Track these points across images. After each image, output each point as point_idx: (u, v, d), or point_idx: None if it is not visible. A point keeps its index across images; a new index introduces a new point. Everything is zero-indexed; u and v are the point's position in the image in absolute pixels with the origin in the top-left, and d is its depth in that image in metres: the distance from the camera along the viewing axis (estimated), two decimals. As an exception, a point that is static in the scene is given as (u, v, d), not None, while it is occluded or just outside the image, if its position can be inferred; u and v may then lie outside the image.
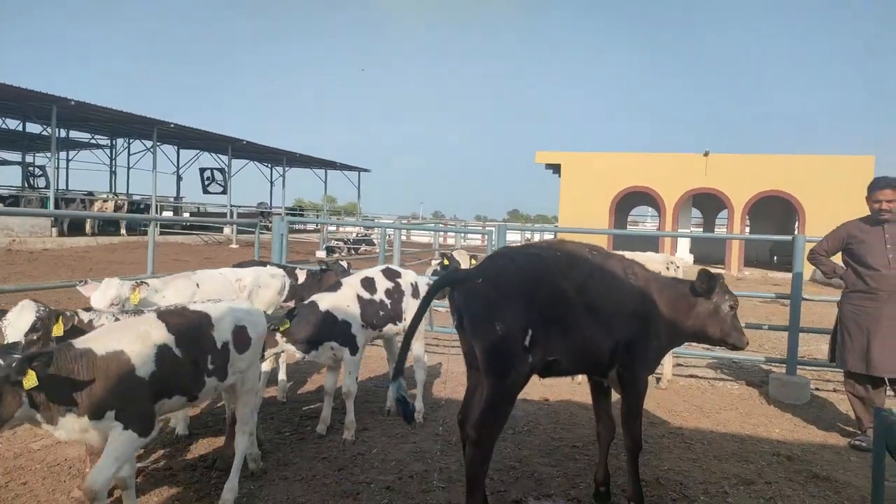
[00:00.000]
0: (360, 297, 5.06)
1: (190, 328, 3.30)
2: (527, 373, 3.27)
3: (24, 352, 2.81)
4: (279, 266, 7.89)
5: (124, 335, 3.07)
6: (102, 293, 4.40)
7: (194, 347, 3.27)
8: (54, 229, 21.70)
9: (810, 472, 4.50)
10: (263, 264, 7.85)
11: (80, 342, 2.98)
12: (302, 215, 32.15)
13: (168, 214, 31.00)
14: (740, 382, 7.14)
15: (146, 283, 4.75)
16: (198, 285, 5.18)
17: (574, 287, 3.37)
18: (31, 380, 2.65)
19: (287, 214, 22.20)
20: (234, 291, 5.41)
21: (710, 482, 4.26)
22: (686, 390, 6.74)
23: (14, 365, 2.61)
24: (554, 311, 3.30)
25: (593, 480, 3.95)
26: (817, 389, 6.87)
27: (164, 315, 3.30)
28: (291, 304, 6.83)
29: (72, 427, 2.84)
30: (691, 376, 7.34)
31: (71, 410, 2.81)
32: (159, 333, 3.16)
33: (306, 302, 5.04)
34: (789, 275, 7.02)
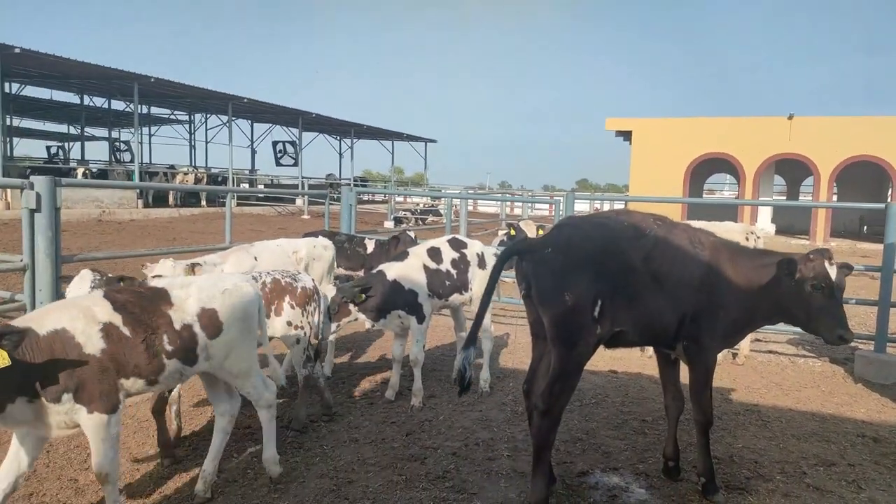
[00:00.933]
0: (426, 267, 5.11)
1: (139, 307, 3.05)
2: (595, 343, 3.24)
3: None
4: (348, 235, 8.07)
5: (65, 313, 2.88)
6: (156, 275, 4.39)
7: (143, 327, 3.01)
8: (140, 201, 22.92)
9: (899, 454, 4.26)
10: (333, 234, 8.05)
11: (19, 321, 2.81)
12: (365, 186, 32.56)
13: (244, 186, 32.12)
14: (823, 359, 6.80)
15: (200, 263, 4.70)
16: (256, 258, 5.21)
17: (641, 257, 3.30)
18: (2, 359, 2.53)
19: (355, 185, 22.54)
20: (292, 263, 5.42)
21: (787, 461, 4.10)
22: (764, 366, 6.48)
23: None
24: (622, 280, 3.24)
25: (662, 455, 3.88)
26: (909, 368, 6.44)
27: (111, 293, 3.08)
28: (361, 272, 6.99)
29: (38, 416, 2.74)
30: (770, 352, 7.04)
31: (30, 397, 2.69)
32: (104, 311, 2.94)
33: (374, 271, 5.14)
34: (880, 246, 6.57)
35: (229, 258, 5.12)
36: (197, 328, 3.18)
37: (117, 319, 2.96)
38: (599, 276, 3.19)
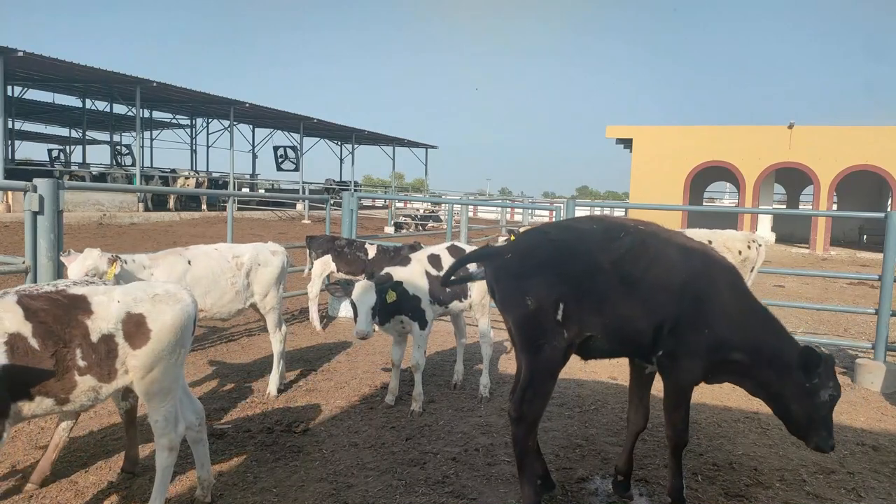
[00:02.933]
0: (428, 274, 5.11)
1: (53, 315, 2.70)
2: (563, 348, 3.13)
3: None
4: (359, 240, 8.07)
5: None
6: (80, 263, 4.29)
7: (54, 338, 2.68)
8: (141, 205, 22.95)
9: (899, 463, 4.26)
10: (333, 239, 8.06)
11: None
12: (357, 190, 32.68)
13: (245, 191, 32.16)
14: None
15: (121, 257, 4.50)
16: (189, 262, 4.86)
17: (611, 259, 3.17)
18: None
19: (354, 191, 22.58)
20: (232, 269, 5.08)
21: (786, 469, 4.10)
22: (763, 374, 6.48)
23: None
24: (588, 283, 3.13)
25: (614, 468, 3.73)
26: (909, 377, 6.44)
27: (25, 298, 2.72)
28: (361, 277, 7.00)
29: None
30: (769, 359, 7.04)
31: None
32: (13, 320, 2.63)
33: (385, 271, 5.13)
34: (879, 255, 6.59)
35: (160, 261, 4.81)
36: (119, 338, 2.83)
37: (27, 329, 2.64)
38: (562, 278, 3.11)
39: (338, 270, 7.84)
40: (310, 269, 7.99)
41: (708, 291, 3.24)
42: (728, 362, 3.29)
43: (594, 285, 3.14)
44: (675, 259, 3.27)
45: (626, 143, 28.61)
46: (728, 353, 3.26)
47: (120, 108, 30.65)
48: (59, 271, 4.92)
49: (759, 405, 5.41)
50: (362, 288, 4.64)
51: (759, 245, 6.55)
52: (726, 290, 3.31)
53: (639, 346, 3.29)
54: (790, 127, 25.13)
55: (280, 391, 5.20)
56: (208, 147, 36.96)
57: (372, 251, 7.45)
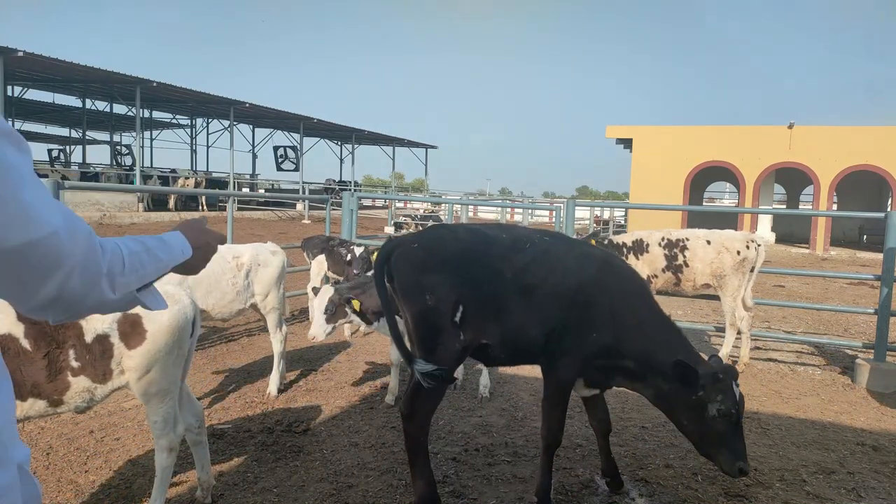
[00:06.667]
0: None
1: None
2: (458, 350, 3.12)
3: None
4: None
5: None
6: None
7: (47, 339, 2.65)
8: (141, 205, 22.95)
9: (899, 463, 4.26)
10: (329, 239, 8.07)
11: None
12: (357, 190, 32.72)
13: (245, 191, 32.18)
14: (823, 368, 6.80)
15: None
16: None
17: (514, 269, 3.20)
18: None
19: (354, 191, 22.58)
20: (232, 270, 5.08)
21: (786, 469, 4.10)
22: (764, 374, 6.48)
23: None
24: (489, 290, 3.14)
25: (601, 471, 3.77)
26: (909, 377, 6.45)
27: None
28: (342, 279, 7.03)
29: None
30: (770, 360, 7.05)
31: None
32: (5, 321, 2.59)
33: (370, 273, 5.16)
34: (879, 255, 6.59)
35: None
36: (114, 338, 2.80)
37: (19, 330, 2.61)
38: (464, 281, 3.11)
39: (329, 269, 7.87)
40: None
41: (598, 298, 3.26)
42: (620, 368, 3.31)
43: (495, 293, 3.16)
44: (572, 267, 3.30)
45: (626, 143, 28.60)
46: (618, 358, 3.28)
47: (120, 108, 30.69)
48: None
49: (758, 405, 5.43)
50: (319, 293, 4.82)
51: (759, 245, 6.54)
52: (621, 297, 3.33)
53: (533, 354, 3.35)
54: (790, 127, 25.12)
55: (280, 391, 5.20)
56: (208, 147, 36.99)
57: (358, 252, 7.45)
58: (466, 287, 3.11)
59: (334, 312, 4.82)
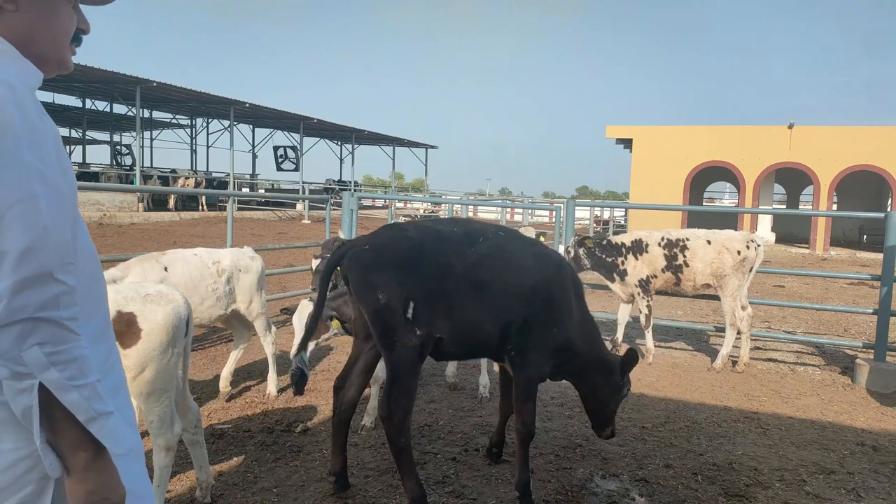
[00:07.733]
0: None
1: None
2: (416, 346, 3.17)
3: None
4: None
5: None
6: None
7: None
8: (141, 205, 22.96)
9: (898, 463, 4.26)
10: (334, 240, 8.05)
11: None
12: (357, 190, 32.71)
13: (245, 191, 32.18)
14: (823, 368, 6.81)
15: None
16: (166, 269, 4.62)
17: (465, 264, 3.26)
18: None
19: (354, 191, 22.55)
20: (212, 276, 4.90)
21: (786, 469, 4.11)
22: (764, 374, 6.49)
23: None
24: (439, 286, 3.20)
25: (489, 440, 4.09)
26: (909, 377, 6.45)
27: None
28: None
29: None
30: (770, 360, 7.05)
31: None
32: None
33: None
34: (879, 255, 6.59)
35: (132, 269, 4.49)
36: None
37: None
38: (412, 277, 3.16)
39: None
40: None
41: (559, 296, 3.51)
42: (568, 362, 3.65)
43: (445, 288, 3.22)
44: (530, 265, 3.45)
45: (626, 143, 28.60)
46: (569, 352, 3.60)
47: (120, 108, 30.73)
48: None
49: (759, 405, 5.43)
50: (298, 309, 4.46)
51: (758, 245, 6.54)
52: (573, 296, 3.60)
53: (487, 349, 3.51)
54: (790, 127, 25.13)
55: (280, 391, 5.21)
56: (208, 147, 36.99)
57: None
58: (416, 283, 3.17)
59: (314, 329, 4.64)
